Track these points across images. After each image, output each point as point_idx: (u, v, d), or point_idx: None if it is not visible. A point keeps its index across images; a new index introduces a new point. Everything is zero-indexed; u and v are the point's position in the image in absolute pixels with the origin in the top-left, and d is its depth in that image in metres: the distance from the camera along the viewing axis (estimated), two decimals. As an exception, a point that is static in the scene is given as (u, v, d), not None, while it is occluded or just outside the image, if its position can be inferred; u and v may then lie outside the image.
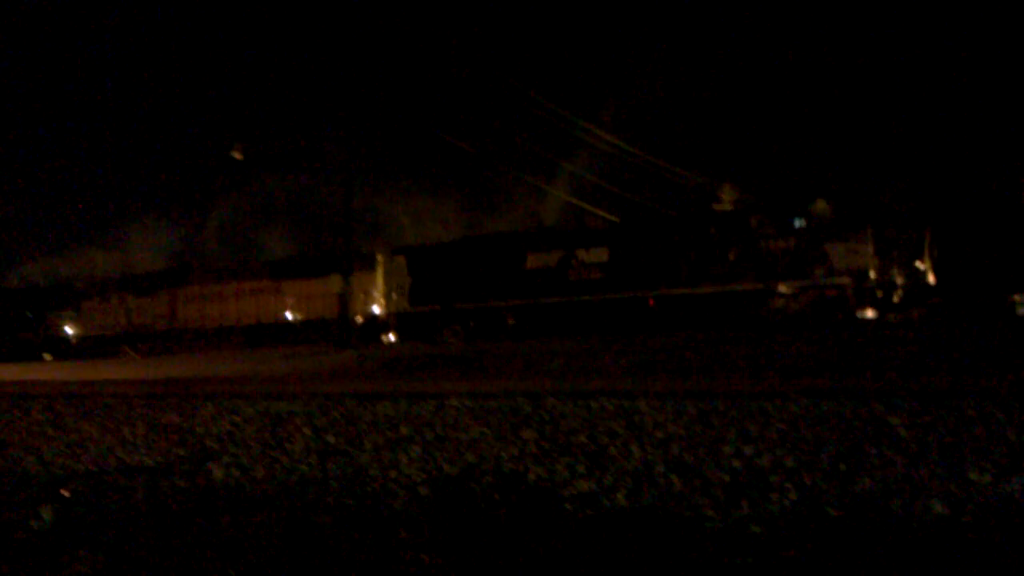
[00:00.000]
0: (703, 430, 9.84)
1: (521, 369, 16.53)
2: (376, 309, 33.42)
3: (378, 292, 33.36)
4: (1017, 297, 23.73)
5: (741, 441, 9.44)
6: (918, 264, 26.59)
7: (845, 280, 25.17)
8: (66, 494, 11.28)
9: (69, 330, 41.34)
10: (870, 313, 25.22)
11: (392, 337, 32.24)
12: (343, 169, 28.81)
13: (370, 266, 33.39)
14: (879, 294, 25.45)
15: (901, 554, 7.06)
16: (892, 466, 8.53)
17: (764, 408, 10.02)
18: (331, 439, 11.88)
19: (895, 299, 25.69)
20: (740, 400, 10.34)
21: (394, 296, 32.59)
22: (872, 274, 25.44)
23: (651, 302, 27.53)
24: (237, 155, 36.78)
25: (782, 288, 25.55)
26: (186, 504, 10.47)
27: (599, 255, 28.92)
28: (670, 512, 8.58)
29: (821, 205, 26.66)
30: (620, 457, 9.75)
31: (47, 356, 40.30)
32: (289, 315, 34.69)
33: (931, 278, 25.82)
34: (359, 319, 32.86)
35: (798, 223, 26.05)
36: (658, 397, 10.87)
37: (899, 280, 26.30)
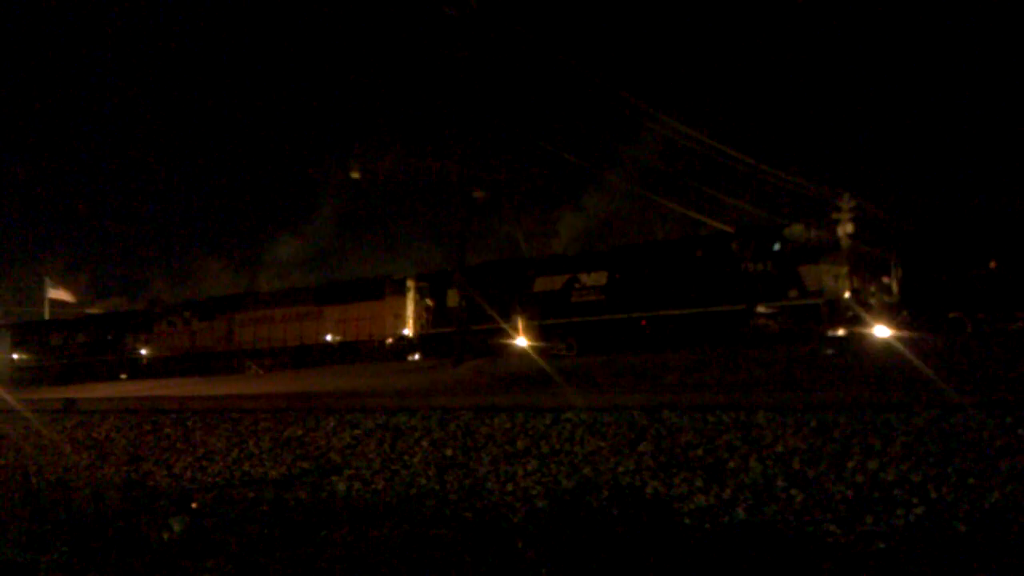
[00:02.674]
0: (824, 443, 9.65)
1: (634, 383, 16.41)
2: (407, 331, 35.23)
3: (408, 315, 35.24)
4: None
5: (864, 454, 9.24)
6: (887, 284, 27.76)
7: (818, 301, 25.65)
8: (195, 506, 11.66)
9: (143, 351, 44.18)
10: (841, 332, 25.52)
11: (417, 356, 33.95)
12: (461, 189, 29.06)
13: (401, 291, 35.48)
14: (849, 313, 25.99)
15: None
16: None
17: (888, 420, 9.77)
18: (449, 452, 12.01)
19: (867, 319, 25.95)
20: (862, 412, 10.10)
21: (419, 319, 34.44)
22: (844, 294, 26.09)
23: (644, 323, 28.56)
24: (355, 175, 38.02)
25: (761, 308, 26.24)
26: (309, 516, 10.72)
27: (599, 279, 30.04)
28: (791, 527, 8.45)
29: (797, 229, 27.77)
30: (739, 471, 9.64)
31: (123, 375, 43.05)
32: (328, 337, 36.89)
33: (898, 297, 26.63)
34: (390, 340, 34.89)
35: (775, 247, 26.81)
36: (777, 410, 10.69)
37: (870, 300, 27.25)
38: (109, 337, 46.06)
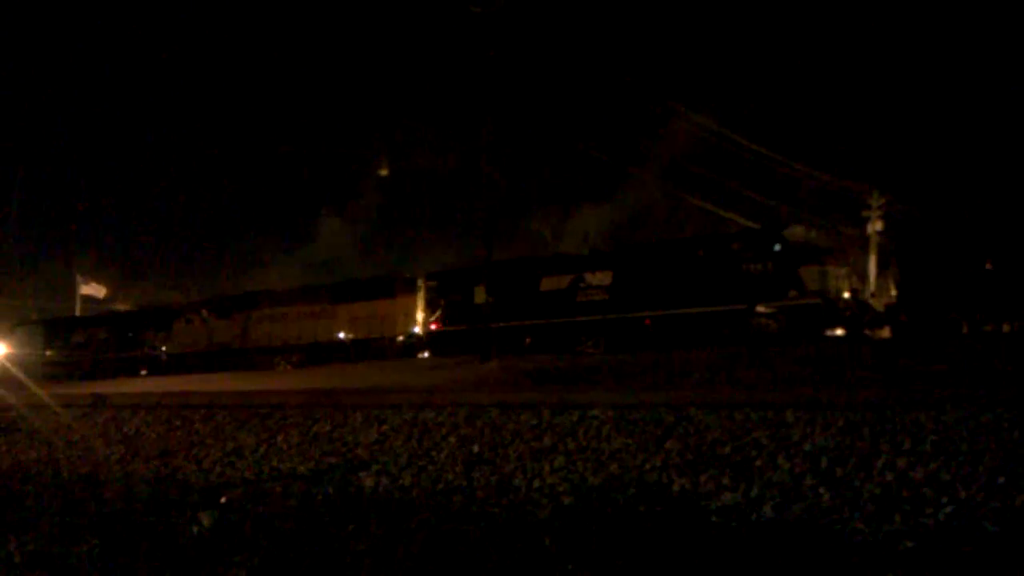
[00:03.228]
0: (853, 441, 9.61)
1: (662, 380, 16.41)
2: (417, 329, 35.59)
3: (418, 313, 35.64)
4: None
5: (893, 453, 9.18)
6: (885, 286, 28.73)
7: (817, 301, 26.29)
8: (224, 500, 11.74)
9: (163, 348, 45.00)
10: (839, 331, 26.51)
11: (426, 354, 34.33)
12: (488, 185, 29.14)
13: (412, 290, 35.84)
14: (848, 314, 26.76)
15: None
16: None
17: (917, 419, 9.72)
18: (476, 448, 12.04)
19: (865, 318, 27.12)
20: (891, 411, 10.05)
21: (429, 317, 34.80)
22: (843, 295, 26.85)
23: (647, 321, 29.12)
24: (383, 172, 38.54)
25: (761, 308, 26.94)
26: (337, 510, 10.76)
27: (604, 278, 30.75)
28: (819, 525, 8.42)
29: (797, 230, 28.28)
30: (766, 469, 9.61)
31: (143, 371, 43.81)
32: (341, 335, 37.31)
33: (896, 299, 27.33)
34: (400, 338, 35.23)
35: (776, 247, 27.31)
36: (806, 408, 10.65)
37: (869, 300, 28.02)
38: (130, 334, 46.93)
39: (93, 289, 62.80)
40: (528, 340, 31.10)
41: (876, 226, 35.83)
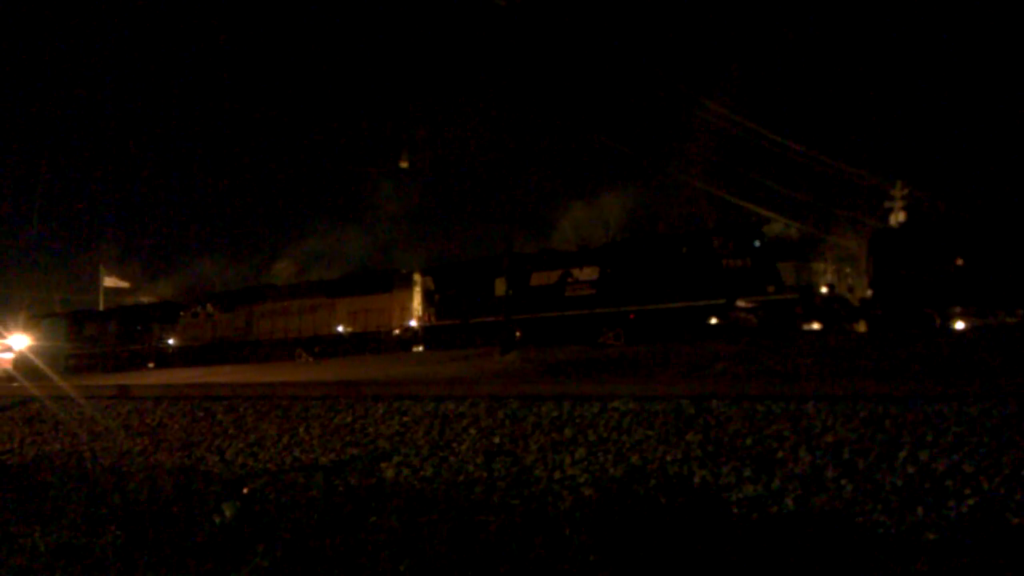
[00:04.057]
0: (875, 433, 9.57)
1: (683, 371, 16.37)
2: (413, 322, 36.29)
3: (414, 307, 36.31)
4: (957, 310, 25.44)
5: (916, 445, 9.14)
6: (860, 280, 29.34)
7: (794, 296, 26.99)
8: (246, 491, 11.81)
9: (170, 341, 45.86)
10: (816, 325, 27.31)
11: (421, 348, 35.13)
12: (511, 178, 29.40)
13: (408, 285, 36.56)
14: (823, 308, 27.66)
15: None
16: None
17: (940, 411, 9.66)
18: (497, 440, 12.06)
19: (843, 312, 28.01)
20: (914, 403, 10.00)
21: (424, 311, 35.47)
22: (820, 290, 27.75)
23: (632, 316, 29.95)
24: (404, 163, 38.85)
25: (740, 303, 27.72)
26: (358, 501, 10.81)
27: (591, 274, 31.76)
28: (841, 517, 8.39)
29: (776, 226, 29.47)
30: (788, 461, 9.58)
31: (151, 364, 44.60)
32: (340, 328, 38.03)
33: (870, 293, 27.81)
34: (396, 331, 35.87)
35: (755, 243, 28.11)
36: (828, 400, 10.61)
37: (845, 295, 28.90)
38: (138, 327, 47.86)
39: (116, 282, 63.35)
40: (519, 334, 31.49)
41: (899, 217, 35.67)
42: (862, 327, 27.74)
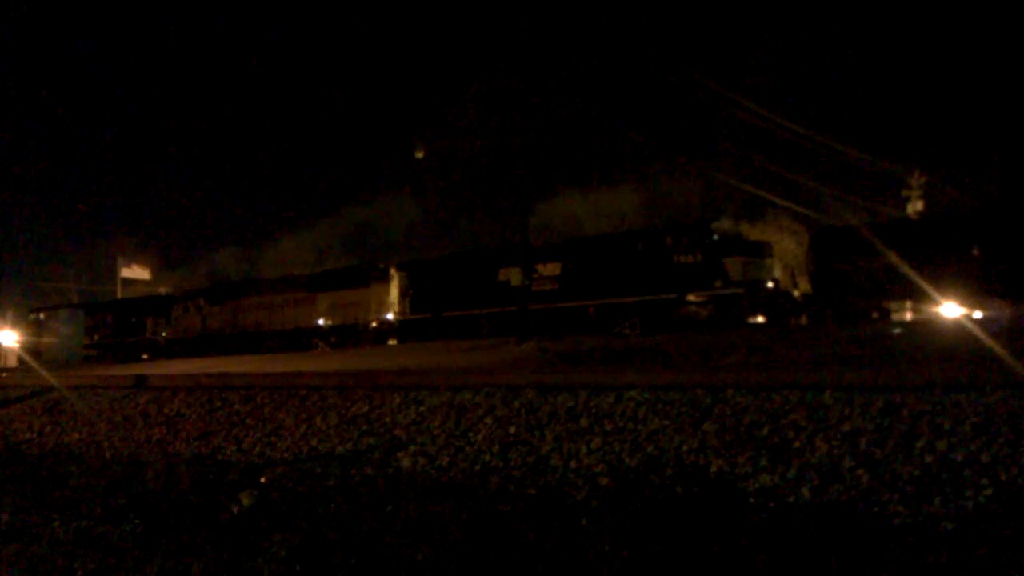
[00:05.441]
0: (892, 423, 9.53)
1: (699, 362, 16.33)
2: (390, 316, 37.00)
3: (390, 301, 37.01)
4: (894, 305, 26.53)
5: (933, 435, 9.10)
6: (802, 276, 30.74)
7: (740, 290, 27.93)
8: (264, 480, 11.86)
9: (163, 333, 46.68)
10: (761, 318, 28.30)
11: (395, 341, 35.96)
12: (522, 169, 29.48)
13: (385, 279, 37.23)
14: (769, 302, 28.46)
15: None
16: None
17: (957, 401, 9.62)
18: (512, 429, 12.06)
19: (787, 306, 28.89)
20: (931, 392, 9.95)
21: (399, 305, 36.24)
22: (766, 284, 28.49)
23: (591, 310, 30.91)
24: (419, 154, 39.05)
25: (691, 297, 28.83)
26: (375, 491, 10.84)
27: (554, 269, 32.64)
28: (857, 507, 8.36)
29: (725, 223, 30.10)
30: (804, 450, 9.56)
31: (144, 356, 45.31)
32: (320, 321, 38.75)
33: (810, 288, 29.07)
34: (374, 324, 36.44)
35: (705, 240, 29.06)
36: (844, 389, 10.57)
37: (789, 289, 29.85)
38: (133, 320, 48.77)
39: (135, 272, 63.67)
40: (485, 329, 32.68)
41: (916, 206, 35.40)
42: (804, 320, 28.75)
